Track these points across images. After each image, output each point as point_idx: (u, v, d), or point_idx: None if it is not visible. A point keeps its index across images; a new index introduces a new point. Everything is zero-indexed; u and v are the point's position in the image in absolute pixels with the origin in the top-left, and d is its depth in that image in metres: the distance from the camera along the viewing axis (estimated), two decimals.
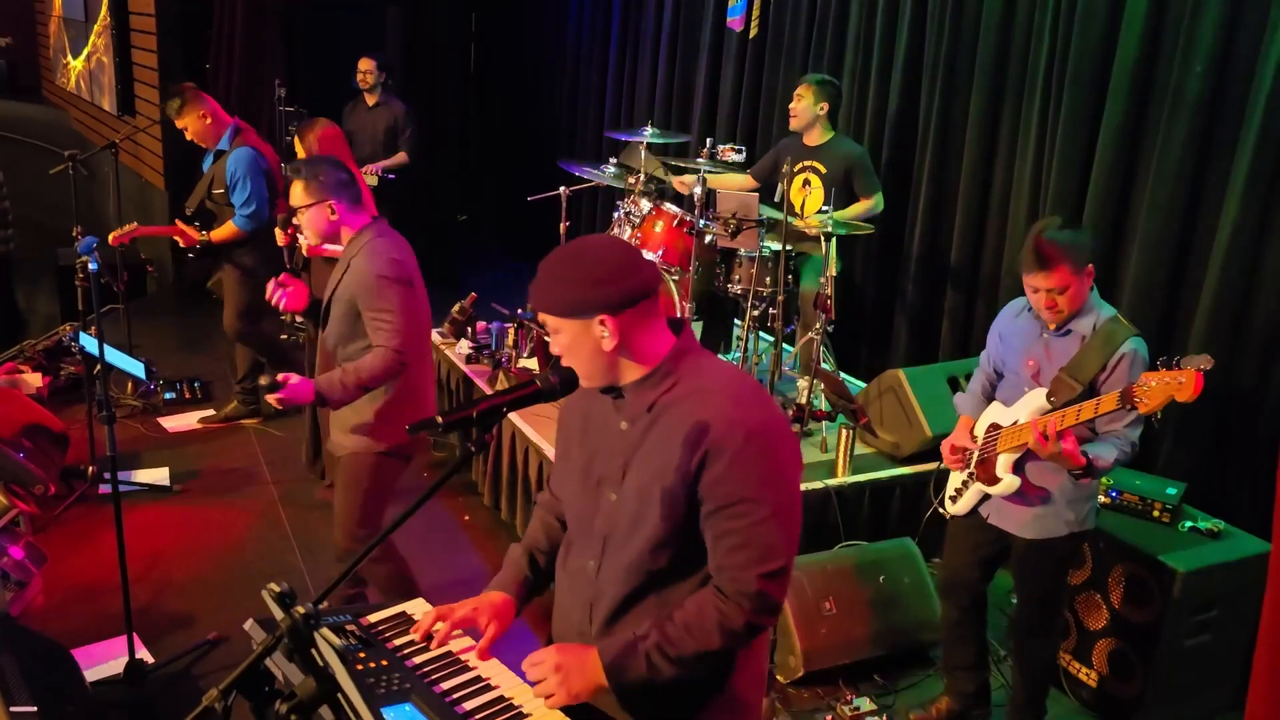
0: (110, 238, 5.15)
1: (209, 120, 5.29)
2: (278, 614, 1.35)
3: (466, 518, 4.92)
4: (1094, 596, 3.55)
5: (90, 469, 4.85)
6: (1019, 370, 3.10)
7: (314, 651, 1.34)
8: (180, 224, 5.25)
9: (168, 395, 5.98)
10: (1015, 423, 3.02)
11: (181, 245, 5.26)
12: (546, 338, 1.91)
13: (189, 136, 5.36)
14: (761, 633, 1.91)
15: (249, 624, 1.90)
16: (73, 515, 4.63)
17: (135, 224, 5.32)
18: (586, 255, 1.87)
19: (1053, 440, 2.81)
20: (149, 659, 3.59)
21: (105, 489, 4.79)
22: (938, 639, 3.69)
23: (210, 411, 5.83)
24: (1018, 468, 3.05)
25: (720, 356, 3.20)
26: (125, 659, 3.44)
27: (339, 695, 1.34)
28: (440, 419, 1.69)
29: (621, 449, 1.91)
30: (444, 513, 4.92)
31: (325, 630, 1.34)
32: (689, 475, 1.81)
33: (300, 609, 1.33)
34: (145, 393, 5.94)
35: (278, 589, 1.38)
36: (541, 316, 1.89)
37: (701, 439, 1.79)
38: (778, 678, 3.67)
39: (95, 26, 9.97)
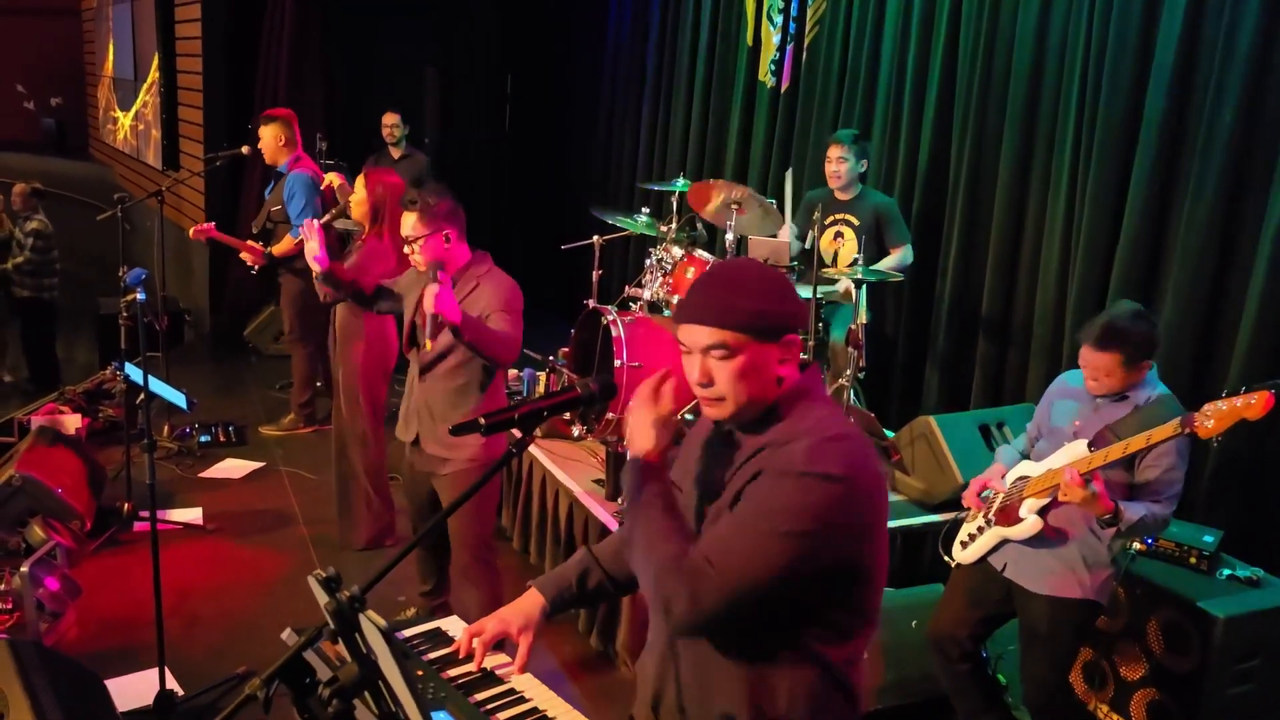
0: (190, 231, 5.71)
1: (282, 143, 5.89)
2: (322, 598, 1.37)
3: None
4: (1131, 646, 3.48)
5: (126, 505, 4.90)
6: (1063, 426, 3.08)
7: (358, 636, 1.35)
8: (249, 243, 5.81)
9: (203, 438, 6.05)
10: (1048, 471, 3.00)
11: (249, 263, 5.79)
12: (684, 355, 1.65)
13: (261, 146, 5.93)
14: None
15: (286, 632, 1.90)
16: (107, 552, 4.68)
17: (214, 224, 5.75)
18: (757, 269, 1.67)
19: (1081, 483, 2.79)
20: (179, 691, 3.59)
21: (140, 526, 4.84)
22: None
23: (272, 429, 6.35)
24: (1041, 513, 3.03)
25: None
26: (155, 690, 3.45)
27: (380, 683, 1.35)
28: (483, 420, 1.72)
29: (726, 488, 1.69)
30: None
31: (370, 613, 1.36)
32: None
33: (346, 592, 1.35)
34: (181, 435, 6.02)
35: (324, 574, 1.40)
36: (715, 336, 1.61)
37: (766, 464, 1.60)
38: None
39: (144, 85, 10.30)
